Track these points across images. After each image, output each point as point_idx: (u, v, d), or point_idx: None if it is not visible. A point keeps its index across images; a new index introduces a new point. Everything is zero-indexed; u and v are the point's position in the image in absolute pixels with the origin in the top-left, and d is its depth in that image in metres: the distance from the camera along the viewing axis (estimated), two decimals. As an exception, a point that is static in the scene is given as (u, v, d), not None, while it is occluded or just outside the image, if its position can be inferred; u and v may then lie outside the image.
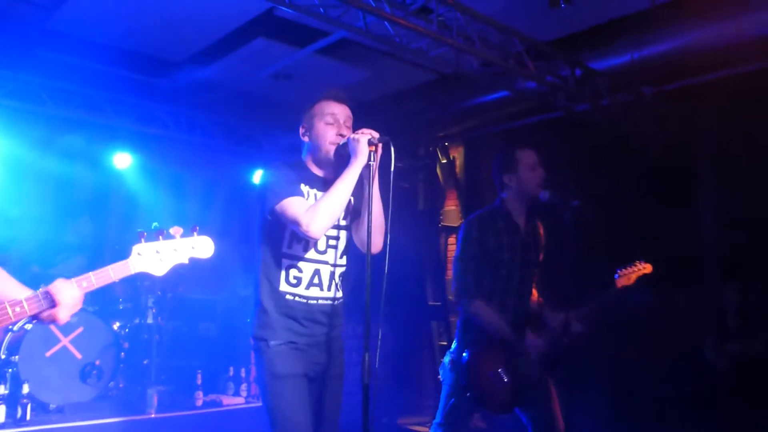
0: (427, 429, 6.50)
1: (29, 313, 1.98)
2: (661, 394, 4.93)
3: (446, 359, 3.47)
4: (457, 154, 6.98)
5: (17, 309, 1.96)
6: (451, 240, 6.91)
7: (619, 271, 3.51)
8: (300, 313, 2.72)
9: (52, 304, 2.00)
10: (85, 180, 6.54)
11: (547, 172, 3.49)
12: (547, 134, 5.72)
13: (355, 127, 2.78)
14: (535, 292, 3.60)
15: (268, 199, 2.64)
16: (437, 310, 6.79)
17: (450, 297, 6.60)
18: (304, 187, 2.73)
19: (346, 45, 5.22)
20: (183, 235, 2.25)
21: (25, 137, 5.81)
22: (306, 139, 2.85)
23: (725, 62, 4.67)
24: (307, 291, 2.73)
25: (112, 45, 5.36)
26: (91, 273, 2.10)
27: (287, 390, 2.64)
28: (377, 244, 2.70)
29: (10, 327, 5.07)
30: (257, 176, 7.06)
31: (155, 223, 5.84)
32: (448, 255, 6.91)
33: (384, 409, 6.24)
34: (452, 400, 3.36)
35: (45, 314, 2.01)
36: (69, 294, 1.99)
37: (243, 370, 5.81)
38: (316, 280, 2.75)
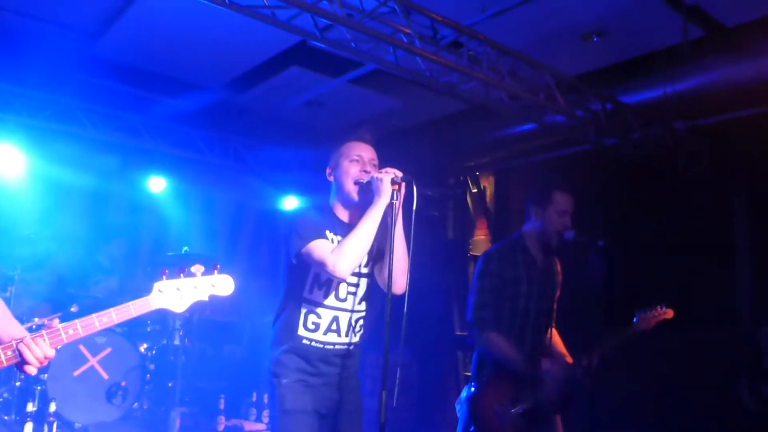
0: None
1: (5, 365, 1.97)
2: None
3: (463, 394, 3.44)
4: (488, 184, 6.94)
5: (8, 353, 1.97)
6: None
7: (638, 315, 3.46)
8: (315, 356, 2.74)
9: (22, 360, 1.97)
10: (119, 202, 6.69)
11: (576, 208, 3.47)
12: (577, 167, 5.68)
13: (381, 166, 2.80)
14: (554, 330, 3.56)
15: (295, 243, 2.67)
16: (464, 340, 6.72)
17: (457, 332, 6.57)
18: (329, 234, 2.74)
19: (377, 74, 5.26)
20: (204, 273, 2.27)
21: (63, 158, 5.96)
22: (332, 179, 2.87)
23: (760, 98, 4.56)
24: (324, 336, 2.75)
25: (151, 71, 5.49)
26: (111, 309, 2.12)
27: (296, 425, 2.65)
28: (400, 285, 2.71)
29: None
30: (286, 202, 7.14)
31: (185, 248, 5.97)
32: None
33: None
34: None
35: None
36: (34, 355, 1.96)
37: (266, 395, 5.80)
38: (334, 326, 2.76)
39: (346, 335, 2.79)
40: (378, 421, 2.42)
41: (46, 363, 2.04)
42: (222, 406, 5.45)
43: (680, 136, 4.98)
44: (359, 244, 2.61)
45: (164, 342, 5.84)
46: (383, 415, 2.42)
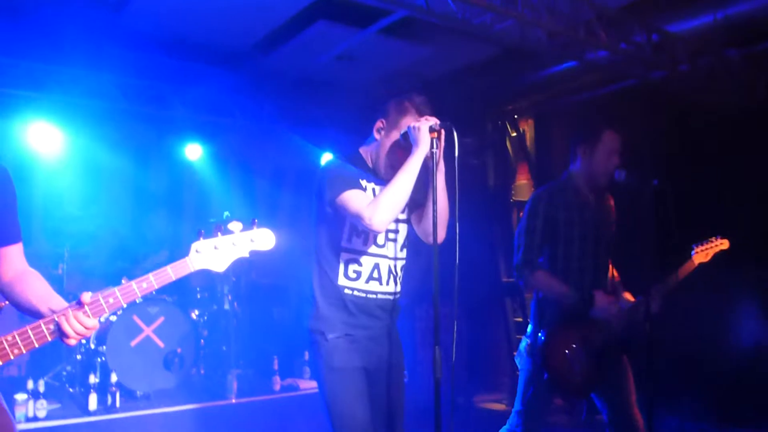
0: (503, 406, 6.41)
1: (49, 339, 1.97)
2: (740, 371, 4.67)
3: (522, 345, 3.37)
4: (527, 127, 6.77)
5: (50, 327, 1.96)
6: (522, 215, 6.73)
7: (695, 248, 3.37)
8: (358, 307, 2.67)
9: (62, 333, 1.96)
10: (158, 173, 6.72)
11: (623, 147, 3.32)
12: (622, 104, 5.48)
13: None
14: (613, 271, 3.44)
15: (328, 191, 2.58)
16: (511, 287, 6.64)
17: (504, 279, 6.46)
18: (362, 182, 2.66)
19: (408, 23, 5.09)
20: (243, 230, 2.20)
21: (99, 134, 6.00)
22: (378, 136, 2.74)
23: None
24: (366, 285, 2.68)
25: (176, 38, 5.42)
26: (150, 274, 2.07)
27: (345, 383, 2.61)
28: (440, 236, 2.58)
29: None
30: (324, 159, 7.06)
31: (227, 213, 5.99)
32: (520, 230, 6.74)
33: (460, 389, 6.17)
34: (531, 385, 3.25)
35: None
36: (72, 327, 1.94)
37: (306, 353, 5.85)
38: (375, 275, 2.69)
39: (388, 283, 2.72)
40: (433, 376, 2.35)
41: (89, 334, 2.02)
42: (276, 367, 5.50)
43: (733, 66, 4.70)
44: (397, 197, 2.51)
45: (215, 308, 5.91)
46: (438, 370, 2.35)
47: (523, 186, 6.78)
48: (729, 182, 4.79)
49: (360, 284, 2.67)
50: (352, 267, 2.67)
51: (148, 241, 6.29)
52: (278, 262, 6.59)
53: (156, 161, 6.60)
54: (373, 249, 2.68)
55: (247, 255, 2.22)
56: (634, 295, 3.36)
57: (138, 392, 5.06)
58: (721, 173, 4.82)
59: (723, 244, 3.38)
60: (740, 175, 4.77)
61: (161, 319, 5.28)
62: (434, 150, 2.49)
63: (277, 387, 5.45)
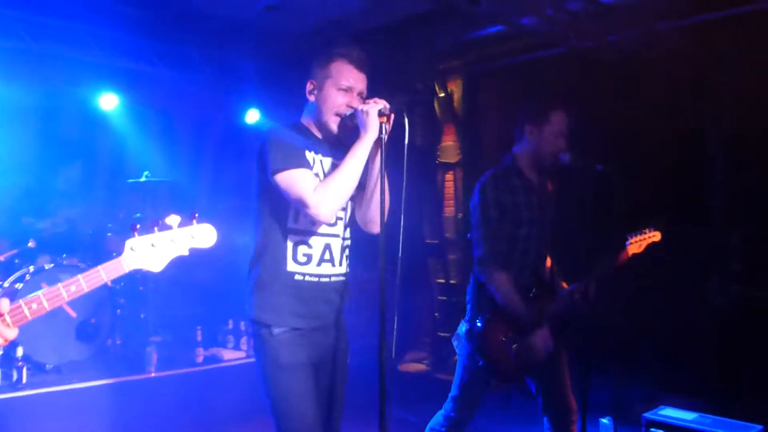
0: (424, 366, 6.47)
1: None
2: (665, 331, 4.89)
3: (461, 329, 3.29)
4: (456, 88, 6.65)
5: None
6: (449, 176, 6.72)
7: (630, 238, 3.36)
8: (310, 293, 2.48)
9: None
10: (69, 122, 6.15)
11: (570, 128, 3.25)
12: (550, 70, 5.45)
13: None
14: (548, 258, 3.41)
15: (271, 164, 2.35)
16: (434, 248, 6.61)
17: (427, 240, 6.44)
18: (309, 154, 2.45)
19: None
20: (181, 224, 1.97)
21: (3, 77, 5.38)
22: (312, 98, 2.55)
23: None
24: (318, 268, 2.49)
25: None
26: (80, 275, 1.87)
27: (292, 381, 2.44)
28: (378, 223, 2.43)
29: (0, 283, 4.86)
30: (250, 115, 6.73)
31: (146, 173, 5.57)
32: (445, 191, 6.72)
33: (370, 351, 6.15)
34: (468, 371, 3.19)
35: None
36: None
37: (243, 323, 5.64)
38: (327, 256, 2.51)
39: (340, 264, 2.55)
40: (378, 359, 2.23)
41: (6, 344, 1.77)
42: (200, 338, 5.25)
43: (662, 38, 4.71)
44: (345, 186, 2.34)
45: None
46: (383, 354, 2.23)
47: (449, 147, 6.72)
48: (650, 152, 4.85)
49: (311, 268, 2.47)
50: (302, 250, 2.47)
51: (57, 193, 5.79)
52: (203, 219, 6.25)
53: (66, 109, 6.02)
54: (323, 229, 2.48)
55: (186, 253, 2.01)
56: (568, 282, 3.34)
57: (47, 365, 4.71)
58: (641, 142, 4.88)
59: (655, 236, 3.39)
60: (660, 145, 4.84)
61: (73, 287, 4.88)
62: (383, 135, 2.33)
63: (200, 359, 5.21)
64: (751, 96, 4.46)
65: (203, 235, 2.02)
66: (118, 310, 5.27)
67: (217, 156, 6.80)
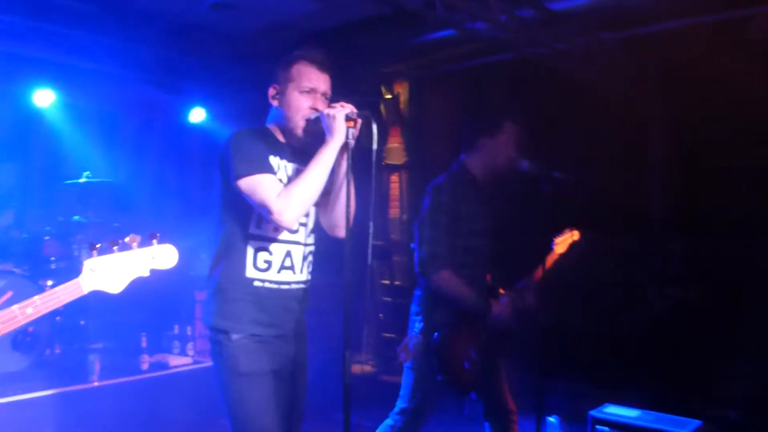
0: (368, 367, 6.49)
1: None
2: (611, 333, 5.06)
3: (411, 341, 3.26)
4: (402, 90, 6.71)
5: None
6: (394, 178, 6.78)
7: (555, 239, 3.52)
8: (269, 301, 2.47)
9: None
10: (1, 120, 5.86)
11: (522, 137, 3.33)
12: (497, 76, 5.59)
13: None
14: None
15: (234, 168, 2.32)
16: (379, 250, 6.65)
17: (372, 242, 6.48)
18: (273, 159, 2.44)
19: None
20: (141, 244, 1.94)
21: None
22: (275, 103, 2.55)
23: (692, 8, 4.45)
24: (278, 275, 2.48)
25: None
26: (36, 297, 1.83)
27: (252, 389, 2.42)
28: (343, 228, 2.47)
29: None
30: (194, 114, 6.59)
31: (86, 173, 5.37)
32: (390, 193, 6.74)
33: (334, 358, 6.13)
34: (421, 385, 3.18)
35: None
36: None
37: (189, 328, 5.52)
38: (288, 263, 2.50)
39: (301, 271, 2.54)
40: (342, 381, 2.26)
41: None
42: (144, 345, 5.09)
43: (607, 48, 4.88)
44: (309, 192, 2.34)
45: (72, 277, 5.32)
46: (347, 376, 2.27)
47: (395, 149, 6.77)
48: (591, 158, 4.96)
49: (271, 275, 2.46)
50: (263, 256, 2.45)
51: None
52: (144, 223, 6.07)
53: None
54: (285, 235, 2.47)
55: (147, 274, 1.98)
56: (505, 289, 3.38)
57: (-18, 377, 4.49)
58: (582, 149, 5.01)
59: (574, 235, 3.57)
60: (602, 150, 4.97)
61: (9, 294, 4.66)
62: (349, 140, 2.33)
63: (145, 366, 5.06)
64: (690, 106, 4.66)
65: (164, 256, 2.00)
66: (57, 317, 5.05)
67: (160, 156, 6.62)
